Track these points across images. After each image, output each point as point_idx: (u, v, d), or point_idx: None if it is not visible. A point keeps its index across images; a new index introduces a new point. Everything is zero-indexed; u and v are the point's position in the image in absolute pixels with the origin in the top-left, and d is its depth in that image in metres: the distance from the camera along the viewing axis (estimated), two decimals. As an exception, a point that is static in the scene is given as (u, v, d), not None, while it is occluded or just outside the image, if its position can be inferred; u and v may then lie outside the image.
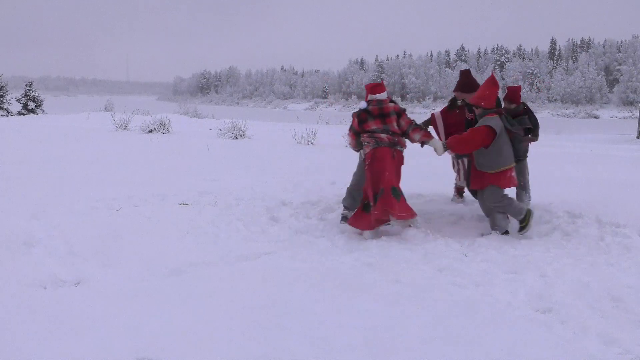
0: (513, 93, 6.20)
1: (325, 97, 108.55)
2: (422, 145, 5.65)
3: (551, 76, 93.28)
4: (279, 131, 21.04)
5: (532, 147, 6.48)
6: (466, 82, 6.30)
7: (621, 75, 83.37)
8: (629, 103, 79.16)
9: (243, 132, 16.29)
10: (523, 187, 6.32)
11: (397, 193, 5.30)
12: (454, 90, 6.45)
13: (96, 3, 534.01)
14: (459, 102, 6.35)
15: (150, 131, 16.58)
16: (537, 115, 6.59)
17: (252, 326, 3.31)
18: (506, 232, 5.48)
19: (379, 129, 5.40)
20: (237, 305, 3.63)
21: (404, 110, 5.57)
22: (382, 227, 5.55)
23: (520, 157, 6.16)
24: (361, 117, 5.52)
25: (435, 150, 5.61)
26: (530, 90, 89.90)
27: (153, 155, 11.20)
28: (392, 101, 5.60)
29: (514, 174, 5.53)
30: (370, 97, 5.55)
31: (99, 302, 3.65)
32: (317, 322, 3.37)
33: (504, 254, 4.85)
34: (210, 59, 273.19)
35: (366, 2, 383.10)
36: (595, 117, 73.88)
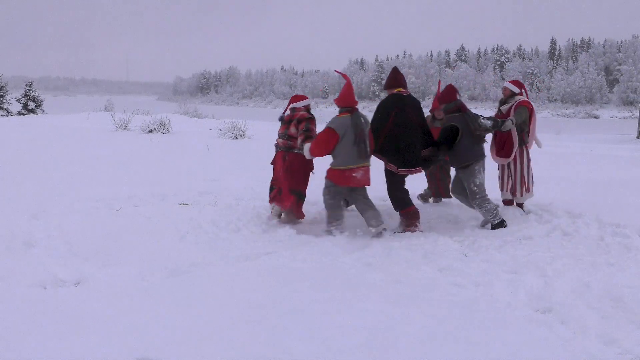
0: (442, 93, 6.02)
1: (325, 97, 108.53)
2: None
3: (551, 76, 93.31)
4: (279, 131, 20.99)
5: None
6: (390, 77, 5.88)
7: (621, 75, 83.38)
8: (629, 103, 79.17)
9: (243, 132, 16.32)
10: (468, 195, 5.80)
11: (279, 191, 5.88)
12: (384, 89, 6.06)
13: (96, 3, 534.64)
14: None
15: (150, 131, 16.60)
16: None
17: (252, 326, 3.31)
18: (381, 230, 5.51)
19: (281, 133, 6.00)
20: (237, 305, 3.63)
21: (308, 119, 5.84)
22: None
23: (471, 157, 5.71)
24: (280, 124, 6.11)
25: (304, 153, 5.73)
26: (531, 90, 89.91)
27: (153, 155, 11.21)
28: (307, 111, 6.00)
29: (355, 174, 5.45)
30: (291, 105, 6.07)
31: (99, 302, 3.65)
32: (317, 322, 3.37)
33: (504, 254, 4.84)
34: (210, 59, 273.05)
35: (366, 2, 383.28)
36: (595, 117, 73.82)
